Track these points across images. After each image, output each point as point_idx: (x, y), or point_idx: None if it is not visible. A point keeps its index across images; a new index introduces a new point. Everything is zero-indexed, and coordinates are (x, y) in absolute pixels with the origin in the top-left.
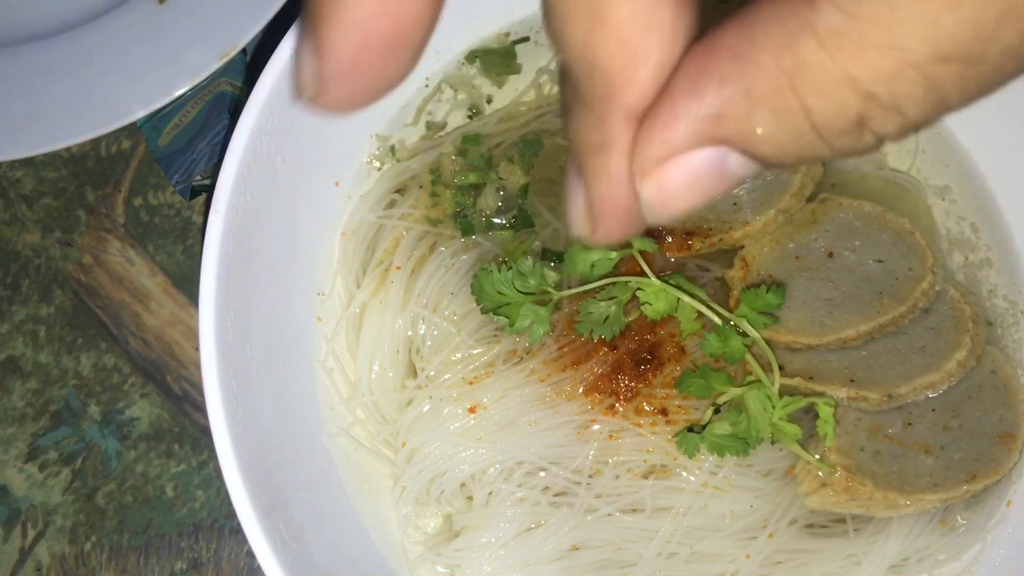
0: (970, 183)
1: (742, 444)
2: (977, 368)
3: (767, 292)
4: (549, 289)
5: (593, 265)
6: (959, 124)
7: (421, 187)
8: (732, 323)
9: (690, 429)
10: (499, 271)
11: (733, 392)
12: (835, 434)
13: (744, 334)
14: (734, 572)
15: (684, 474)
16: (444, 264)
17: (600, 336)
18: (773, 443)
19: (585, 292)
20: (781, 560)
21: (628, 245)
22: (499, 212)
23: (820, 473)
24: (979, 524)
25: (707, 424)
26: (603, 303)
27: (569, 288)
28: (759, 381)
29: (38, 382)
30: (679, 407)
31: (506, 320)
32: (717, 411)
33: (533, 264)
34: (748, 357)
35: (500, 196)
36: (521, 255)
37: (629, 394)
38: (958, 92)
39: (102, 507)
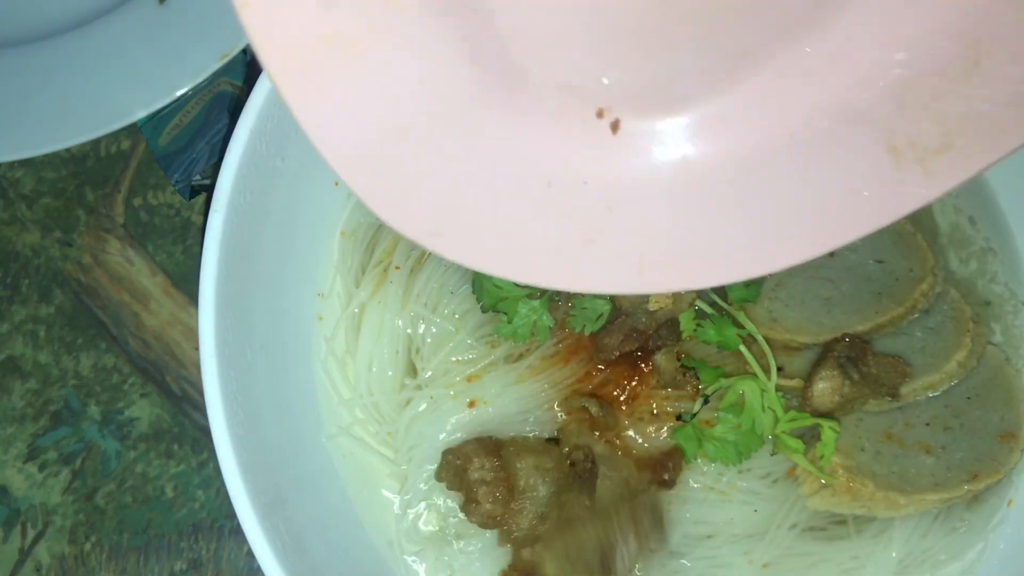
0: (970, 183)
1: (735, 452)
2: (978, 368)
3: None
4: None
5: None
6: None
7: None
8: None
9: (679, 417)
10: None
11: (724, 382)
12: (835, 435)
13: (740, 325)
14: None
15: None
16: (443, 263)
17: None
18: (773, 455)
19: None
20: (783, 564)
21: None
22: None
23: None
24: (980, 524)
25: (696, 414)
26: (598, 300)
27: None
28: (754, 374)
29: (38, 382)
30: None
31: (505, 316)
32: (706, 401)
33: None
34: (744, 351)
35: None
36: None
37: (628, 393)
38: None
39: (102, 507)
